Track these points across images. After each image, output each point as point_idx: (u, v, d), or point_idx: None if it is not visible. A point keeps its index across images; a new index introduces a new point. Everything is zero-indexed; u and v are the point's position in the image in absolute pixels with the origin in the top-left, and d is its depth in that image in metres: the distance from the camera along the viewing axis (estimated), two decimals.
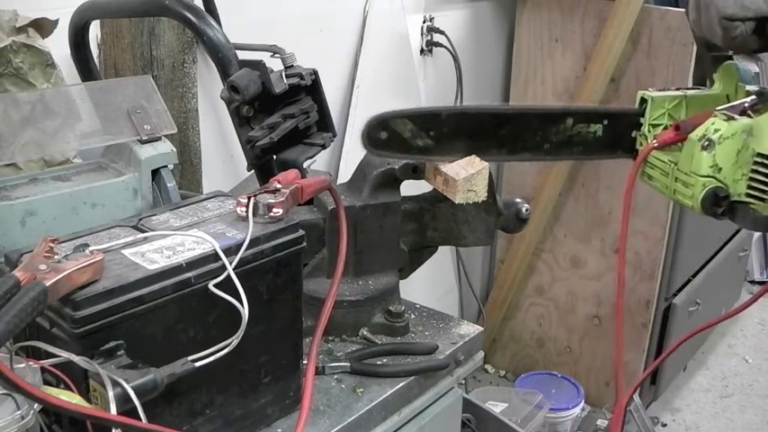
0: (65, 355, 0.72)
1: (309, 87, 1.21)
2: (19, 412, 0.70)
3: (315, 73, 1.21)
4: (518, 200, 1.19)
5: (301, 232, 0.92)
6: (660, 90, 1.03)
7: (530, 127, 1.04)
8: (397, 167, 1.15)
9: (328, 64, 1.97)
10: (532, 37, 2.48)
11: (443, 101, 2.39)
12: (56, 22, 1.23)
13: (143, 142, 1.15)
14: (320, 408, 1.01)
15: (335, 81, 2.04)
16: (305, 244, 0.93)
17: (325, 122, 1.25)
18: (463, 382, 1.55)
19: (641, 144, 1.05)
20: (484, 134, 1.03)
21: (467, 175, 1.08)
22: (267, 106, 1.16)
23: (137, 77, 1.37)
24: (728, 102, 1.01)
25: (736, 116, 0.91)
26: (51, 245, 0.77)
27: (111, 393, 0.69)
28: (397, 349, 1.14)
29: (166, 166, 1.17)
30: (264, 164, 1.19)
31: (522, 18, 2.49)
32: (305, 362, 0.97)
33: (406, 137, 0.99)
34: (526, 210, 1.19)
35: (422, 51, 2.31)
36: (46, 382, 0.74)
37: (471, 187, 1.09)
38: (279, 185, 0.94)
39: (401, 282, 1.23)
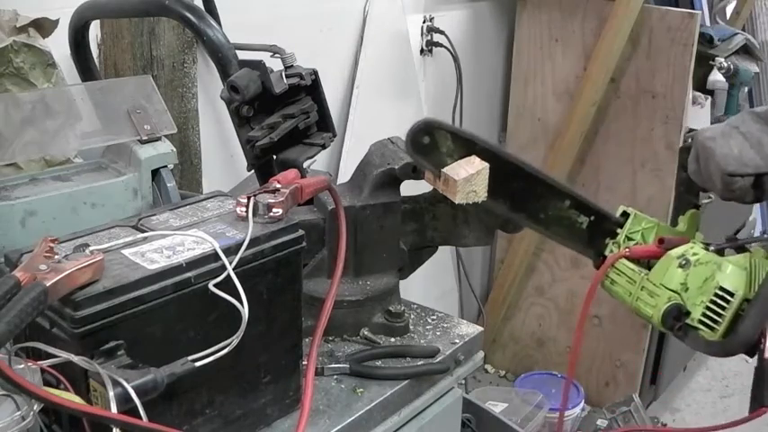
0: (65, 355, 0.72)
1: (309, 87, 1.21)
2: (19, 413, 0.70)
3: (315, 73, 1.21)
4: None
5: (301, 232, 0.92)
6: (640, 211, 1.13)
7: (536, 192, 1.10)
8: (397, 167, 1.15)
9: (328, 64, 1.97)
10: (532, 37, 2.48)
11: (443, 101, 2.39)
12: (56, 22, 1.23)
13: (143, 142, 1.15)
14: (320, 408, 1.01)
15: (335, 81, 2.04)
16: (305, 244, 0.93)
17: (325, 122, 1.25)
18: (463, 382, 1.55)
19: (611, 251, 1.11)
20: (500, 181, 1.06)
21: (467, 175, 1.08)
22: (267, 106, 1.16)
23: (137, 77, 1.37)
24: None
25: (712, 247, 1.02)
26: (51, 245, 0.77)
27: (111, 393, 0.69)
28: (398, 352, 1.14)
29: (166, 166, 1.17)
30: (264, 164, 1.19)
31: (522, 18, 2.48)
32: (305, 362, 0.97)
33: (443, 150, 1.03)
34: None
35: (422, 51, 2.31)
36: (46, 383, 0.74)
37: (471, 187, 1.09)
38: (279, 185, 0.93)
39: (401, 282, 1.23)
